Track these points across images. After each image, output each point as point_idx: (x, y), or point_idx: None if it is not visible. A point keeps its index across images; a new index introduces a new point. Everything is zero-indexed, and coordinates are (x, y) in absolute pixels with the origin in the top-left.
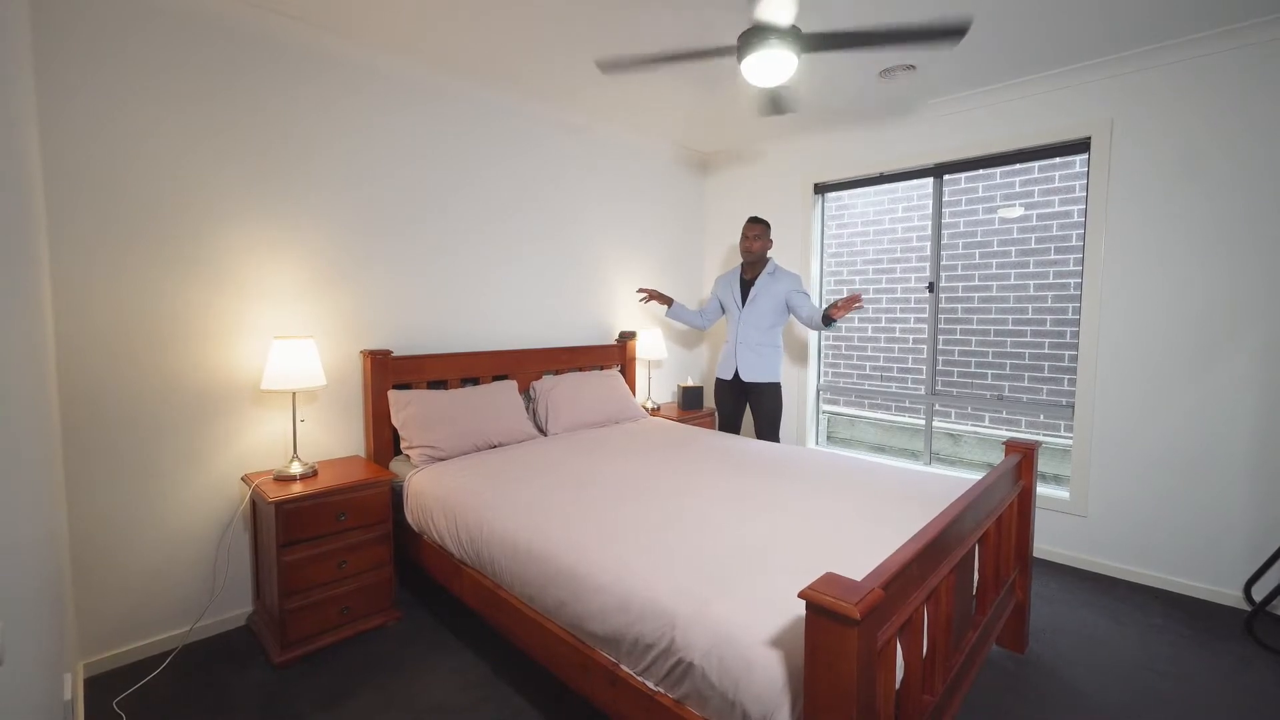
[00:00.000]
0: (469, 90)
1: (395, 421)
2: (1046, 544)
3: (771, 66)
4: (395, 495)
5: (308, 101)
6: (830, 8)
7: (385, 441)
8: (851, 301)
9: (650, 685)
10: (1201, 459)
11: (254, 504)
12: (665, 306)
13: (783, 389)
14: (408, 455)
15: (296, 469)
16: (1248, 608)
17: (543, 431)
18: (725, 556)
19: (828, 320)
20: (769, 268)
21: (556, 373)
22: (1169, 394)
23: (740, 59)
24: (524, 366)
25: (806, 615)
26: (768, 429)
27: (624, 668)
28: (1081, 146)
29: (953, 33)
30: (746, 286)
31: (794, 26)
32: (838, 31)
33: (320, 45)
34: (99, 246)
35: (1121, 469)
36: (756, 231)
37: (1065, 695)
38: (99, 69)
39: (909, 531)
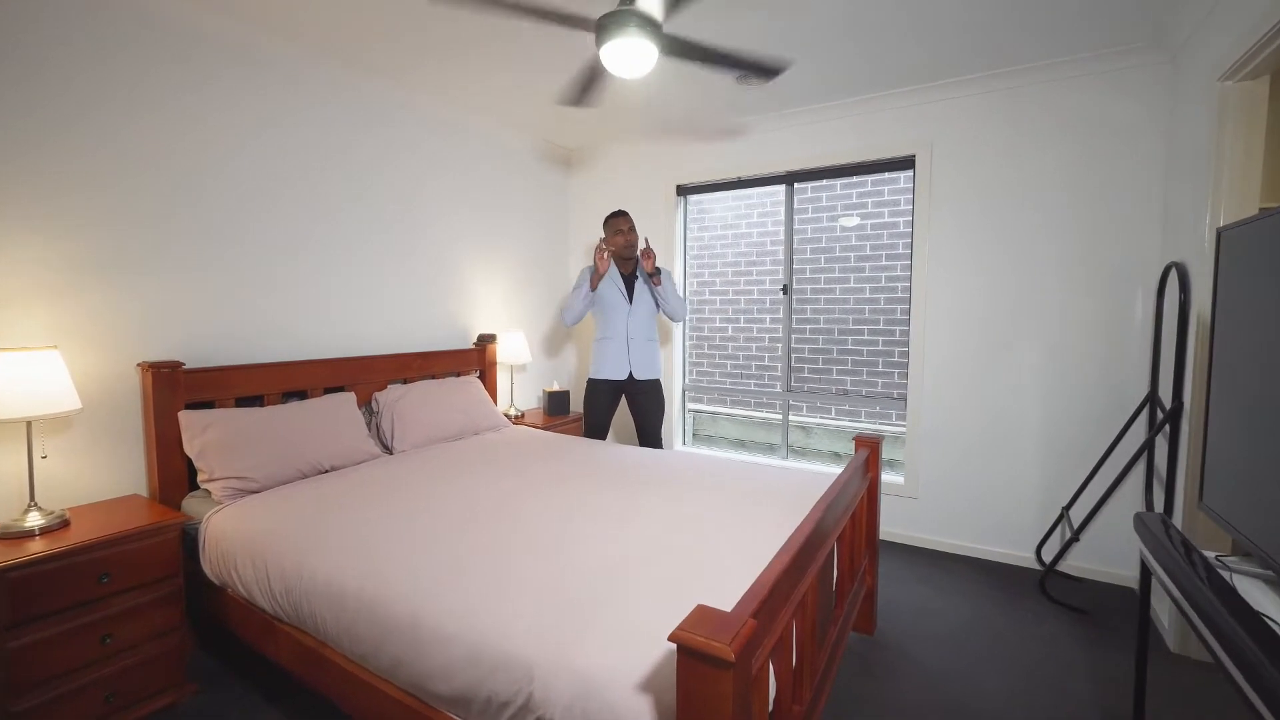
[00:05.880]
0: (293, 58)
1: (190, 449)
2: (886, 526)
3: (631, 54)
4: (190, 541)
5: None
6: None
7: (176, 475)
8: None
9: None
10: (1002, 441)
11: None
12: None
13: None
14: (208, 490)
15: (35, 521)
16: (1039, 568)
17: (388, 449)
18: (588, 584)
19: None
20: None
21: (405, 382)
22: (977, 385)
23: (599, 45)
24: (365, 376)
25: (678, 658)
26: (655, 427)
27: None
28: (908, 163)
29: None
30: (629, 281)
31: (650, 18)
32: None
33: None
34: None
35: (943, 454)
36: (630, 224)
37: (908, 668)
38: None
39: (772, 533)
